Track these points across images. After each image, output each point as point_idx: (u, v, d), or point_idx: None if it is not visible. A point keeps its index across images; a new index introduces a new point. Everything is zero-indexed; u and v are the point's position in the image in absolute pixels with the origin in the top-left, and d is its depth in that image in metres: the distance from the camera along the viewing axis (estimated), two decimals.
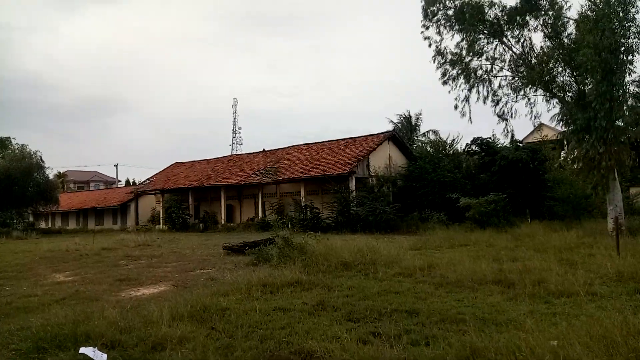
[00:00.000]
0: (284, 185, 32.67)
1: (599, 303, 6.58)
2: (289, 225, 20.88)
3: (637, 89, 17.12)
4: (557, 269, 9.25)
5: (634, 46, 15.25)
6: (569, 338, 4.35)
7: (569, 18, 17.47)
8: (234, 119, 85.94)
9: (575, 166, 19.51)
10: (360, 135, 32.58)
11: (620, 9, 15.12)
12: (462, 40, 19.49)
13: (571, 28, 17.34)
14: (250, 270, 10.80)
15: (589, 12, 15.97)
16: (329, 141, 33.94)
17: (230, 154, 60.69)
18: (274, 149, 37.09)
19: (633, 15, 15.14)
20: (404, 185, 28.63)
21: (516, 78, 19.04)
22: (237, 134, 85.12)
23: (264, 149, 38.24)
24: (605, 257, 10.39)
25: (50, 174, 46.33)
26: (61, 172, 67.40)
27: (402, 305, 6.82)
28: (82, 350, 4.68)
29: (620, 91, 15.52)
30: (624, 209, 17.79)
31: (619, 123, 16.32)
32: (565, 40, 17.37)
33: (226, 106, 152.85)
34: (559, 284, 7.68)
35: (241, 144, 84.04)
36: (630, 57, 15.31)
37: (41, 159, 41.70)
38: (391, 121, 43.01)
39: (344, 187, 26.84)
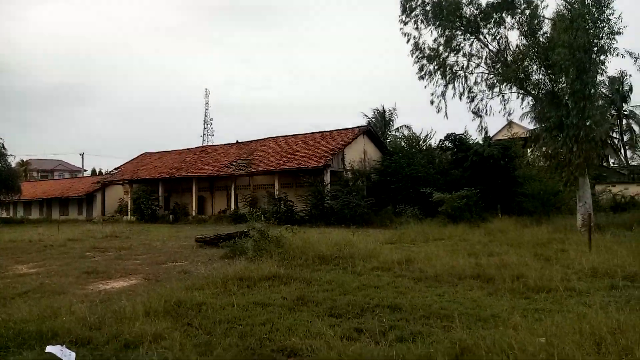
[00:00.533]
0: (258, 178, 32.26)
1: (578, 299, 6.63)
2: (263, 218, 20.59)
3: (603, 90, 17.57)
4: (533, 264, 9.36)
5: (606, 46, 15.64)
6: (557, 335, 4.31)
7: (545, 17, 17.78)
8: (206, 110, 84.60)
9: (545, 163, 19.93)
10: (335, 128, 32.45)
11: (595, 9, 15.46)
12: (440, 36, 19.60)
13: (547, 27, 17.66)
14: (225, 264, 10.52)
15: (564, 11, 16.26)
16: (304, 134, 33.66)
17: (201, 145, 59.63)
18: (247, 141, 36.55)
19: (607, 16, 15.49)
20: (379, 180, 28.70)
21: (491, 75, 19.25)
22: (209, 125, 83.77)
23: (237, 141, 37.64)
24: (577, 253, 10.59)
25: (13, 162, 44.48)
26: (24, 160, 64.75)
27: (383, 300, 6.72)
28: (49, 349, 4.35)
29: (592, 90, 15.90)
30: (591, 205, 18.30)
31: (588, 122, 16.70)
32: (541, 39, 17.64)
33: (197, 97, 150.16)
34: (537, 279, 7.73)
35: (212, 135, 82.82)
36: (602, 57, 15.69)
37: (3, 147, 39.90)
38: (365, 116, 43.09)
39: (319, 180, 26.69)
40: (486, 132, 22.29)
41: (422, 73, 20.36)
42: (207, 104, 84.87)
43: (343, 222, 23.33)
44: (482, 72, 19.68)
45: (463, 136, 29.21)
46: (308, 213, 26.09)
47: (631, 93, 40.08)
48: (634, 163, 40.09)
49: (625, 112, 41.41)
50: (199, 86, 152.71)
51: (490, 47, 19.21)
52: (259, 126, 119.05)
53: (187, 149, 40.65)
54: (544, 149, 18.80)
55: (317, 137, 31.90)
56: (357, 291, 7.44)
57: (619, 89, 39.19)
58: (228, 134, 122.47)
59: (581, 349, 3.87)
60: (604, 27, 15.57)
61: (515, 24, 18.40)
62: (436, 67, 20.07)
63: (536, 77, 18.01)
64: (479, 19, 18.95)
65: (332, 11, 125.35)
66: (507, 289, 7.32)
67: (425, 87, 20.47)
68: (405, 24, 20.19)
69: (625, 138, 42.13)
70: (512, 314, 5.67)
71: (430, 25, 19.74)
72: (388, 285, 7.96)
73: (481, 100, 19.82)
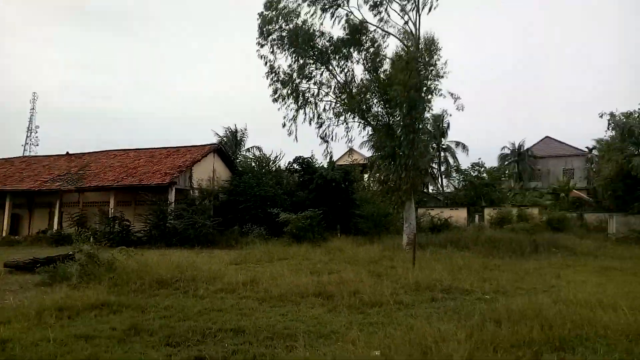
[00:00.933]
0: (90, 194, 28.95)
1: (405, 311, 7.28)
2: (92, 239, 18.48)
3: (428, 126, 20.24)
4: (368, 280, 10.06)
5: (433, 87, 18.10)
6: (390, 347, 4.60)
7: (386, 56, 19.94)
8: (31, 116, 73.64)
9: (379, 188, 21.94)
10: (184, 145, 31.11)
11: (426, 54, 17.83)
12: (294, 62, 20.57)
13: (387, 65, 19.76)
14: (41, 292, 9.09)
15: (402, 53, 18.44)
16: (149, 149, 31.47)
17: (22, 155, 51.70)
18: (80, 153, 32.72)
19: (435, 61, 18.01)
20: (227, 199, 28.19)
21: (338, 104, 20.69)
22: (33, 133, 72.99)
23: (67, 152, 33.45)
24: (404, 269, 11.76)
25: None
26: None
27: (226, 324, 6.47)
28: None
29: (420, 125, 18.20)
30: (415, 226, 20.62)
31: (415, 153, 18.93)
32: (382, 76, 19.65)
33: (24, 102, 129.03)
34: (371, 295, 8.32)
35: (37, 144, 72.20)
36: (429, 97, 18.09)
37: None
38: (217, 134, 42.36)
39: (163, 198, 25.08)
40: (331, 157, 23.70)
41: (276, 96, 21.06)
42: (33, 109, 73.95)
43: (187, 242, 22.21)
44: (330, 101, 21.04)
45: (310, 159, 30.54)
46: (147, 234, 24.22)
47: (449, 129, 47.13)
48: (448, 190, 46.59)
49: (444, 146, 48.33)
50: (27, 90, 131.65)
51: (339, 78, 20.71)
52: (97, 138, 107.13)
53: (4, 159, 34.75)
54: (378, 174, 20.74)
55: (163, 153, 30.10)
56: (198, 316, 7.04)
57: (440, 126, 45.59)
58: (57, 145, 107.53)
59: (411, 358, 4.19)
60: (432, 70, 18.07)
61: (361, 59, 20.24)
62: (289, 92, 20.88)
63: (376, 109, 19.92)
64: (329, 51, 20.34)
65: (188, 24, 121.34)
66: (345, 305, 7.69)
67: (278, 109, 21.23)
68: (262, 46, 20.81)
69: (443, 168, 48.98)
70: (350, 329, 5.95)
71: (285, 51, 20.58)
72: (232, 307, 7.72)
73: (328, 126, 21.09)
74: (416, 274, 10.79)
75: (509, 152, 51.87)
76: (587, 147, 45.50)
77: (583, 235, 23.35)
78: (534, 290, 9.25)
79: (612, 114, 32.25)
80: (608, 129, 32.89)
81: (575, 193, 41.59)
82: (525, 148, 51.25)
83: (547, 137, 54.32)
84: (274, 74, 20.85)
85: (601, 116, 32.83)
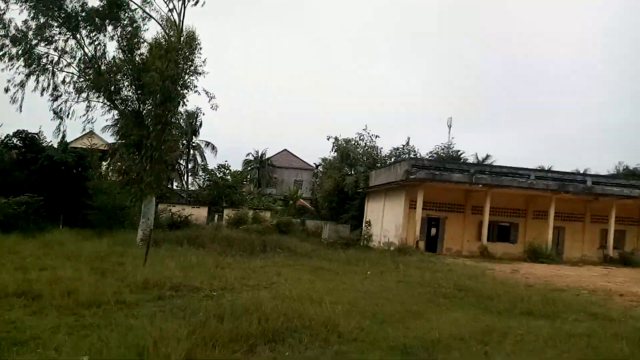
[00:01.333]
0: None
1: (127, 311, 6.83)
2: None
3: (181, 121, 19.92)
4: (88, 278, 9.09)
5: (188, 83, 17.80)
6: (101, 350, 4.22)
7: (145, 40, 18.54)
8: None
9: (119, 178, 20.31)
10: None
11: (187, 48, 17.53)
12: (32, 19, 17.35)
13: (144, 49, 18.39)
14: None
15: (162, 40, 17.60)
16: None
17: None
18: None
19: (194, 57, 17.83)
20: None
21: (82, 79, 18.26)
22: None
23: None
24: (133, 266, 11.12)
25: None
26: None
27: None
28: None
29: (173, 118, 17.66)
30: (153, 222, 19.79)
31: (163, 146, 18.29)
32: (137, 59, 18.21)
33: None
34: (90, 294, 7.54)
35: None
36: (185, 92, 17.75)
37: None
38: None
39: None
40: (64, 137, 20.70)
41: (1, 53, 17.46)
42: None
43: None
44: (73, 73, 18.41)
45: (37, 136, 25.92)
46: None
47: (201, 128, 47.20)
48: (193, 188, 46.65)
49: (194, 144, 48.12)
50: None
51: (87, 50, 18.29)
52: None
53: None
54: (119, 164, 19.22)
55: None
56: None
57: (192, 123, 45.27)
58: None
59: None
60: (191, 65, 17.76)
61: (116, 36, 18.32)
62: (20, 52, 17.56)
63: (126, 93, 18.36)
64: (80, 18, 17.84)
65: None
66: (55, 306, 6.79)
67: (2, 70, 17.63)
68: None
69: (190, 166, 48.71)
70: (56, 333, 5.22)
71: (23, 3, 17.17)
72: None
73: (66, 101, 18.45)
74: (147, 271, 10.30)
75: (252, 158, 55.63)
76: (315, 163, 52.81)
77: (304, 238, 26.78)
78: (258, 286, 10.00)
79: (336, 138, 38.44)
80: (332, 150, 39.08)
81: (301, 202, 47.70)
82: (266, 157, 55.93)
83: (285, 150, 60.59)
84: (2, 26, 17.23)
85: (328, 139, 38.81)
